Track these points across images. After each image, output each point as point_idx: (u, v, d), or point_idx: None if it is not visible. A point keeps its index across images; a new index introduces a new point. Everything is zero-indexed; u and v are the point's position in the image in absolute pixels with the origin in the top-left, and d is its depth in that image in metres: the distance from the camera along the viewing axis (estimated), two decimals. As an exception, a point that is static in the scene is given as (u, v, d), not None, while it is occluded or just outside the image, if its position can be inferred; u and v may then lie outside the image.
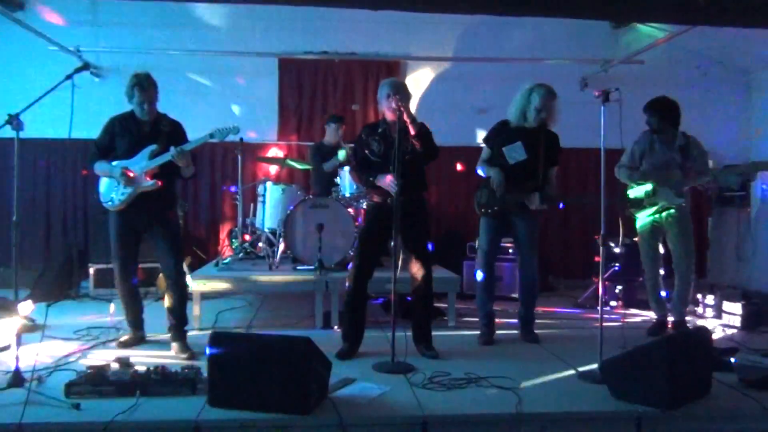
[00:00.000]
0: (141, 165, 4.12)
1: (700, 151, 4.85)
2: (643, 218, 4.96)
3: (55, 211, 7.14)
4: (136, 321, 4.40)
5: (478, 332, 4.66)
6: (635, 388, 3.18)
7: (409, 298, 4.38)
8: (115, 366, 3.38)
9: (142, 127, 4.19)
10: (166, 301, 4.27)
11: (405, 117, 3.92)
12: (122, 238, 4.23)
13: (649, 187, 4.85)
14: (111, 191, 4.16)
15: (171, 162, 4.08)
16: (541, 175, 4.51)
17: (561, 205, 4.91)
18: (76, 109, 3.89)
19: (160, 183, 4.11)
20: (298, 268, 5.36)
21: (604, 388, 3.33)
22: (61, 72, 3.84)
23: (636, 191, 4.98)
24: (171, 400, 3.13)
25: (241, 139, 6.21)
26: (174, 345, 4.17)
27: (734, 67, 7.48)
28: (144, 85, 4.11)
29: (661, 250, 5.06)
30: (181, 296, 4.30)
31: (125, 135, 4.18)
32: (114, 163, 4.14)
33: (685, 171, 4.78)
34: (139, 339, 4.39)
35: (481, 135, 4.86)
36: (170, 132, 4.22)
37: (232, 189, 6.68)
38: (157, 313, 4.64)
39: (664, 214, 4.85)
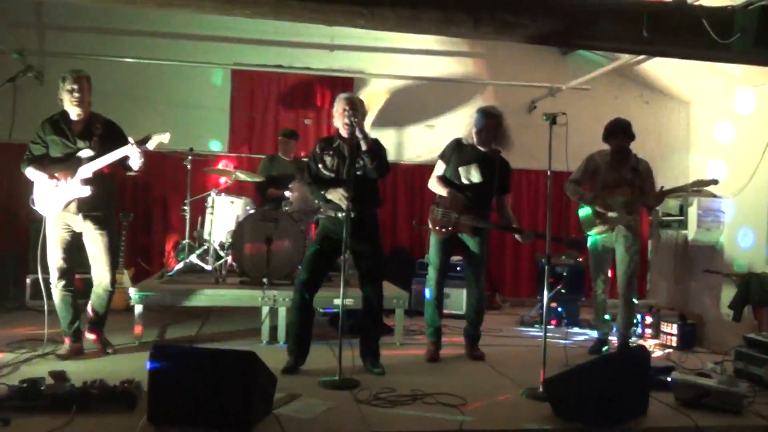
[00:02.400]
0: (73, 170, 4.08)
1: (647, 171, 5.00)
2: (594, 236, 5.05)
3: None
4: (75, 332, 4.28)
5: (424, 349, 4.69)
6: (576, 406, 3.24)
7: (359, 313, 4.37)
8: (49, 380, 3.26)
9: (74, 128, 4.15)
10: (92, 302, 4.32)
11: (357, 132, 3.95)
12: (58, 243, 4.18)
13: (588, 210, 5.00)
14: (44, 197, 4.12)
15: (107, 167, 4.13)
16: (493, 199, 4.60)
17: None
18: (18, 114, 3.77)
19: (91, 189, 4.10)
20: (245, 281, 5.29)
21: (546, 405, 3.39)
22: (2, 74, 3.73)
23: (585, 210, 5.10)
24: (108, 415, 3.03)
25: (191, 149, 6.13)
26: (90, 335, 4.31)
27: (675, 96, 7.79)
28: (75, 79, 4.08)
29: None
30: (108, 301, 4.34)
31: (57, 137, 4.13)
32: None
33: (634, 189, 4.92)
34: (77, 350, 4.25)
35: (430, 152, 4.91)
36: (103, 134, 4.17)
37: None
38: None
39: (614, 231, 4.96)
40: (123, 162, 4.19)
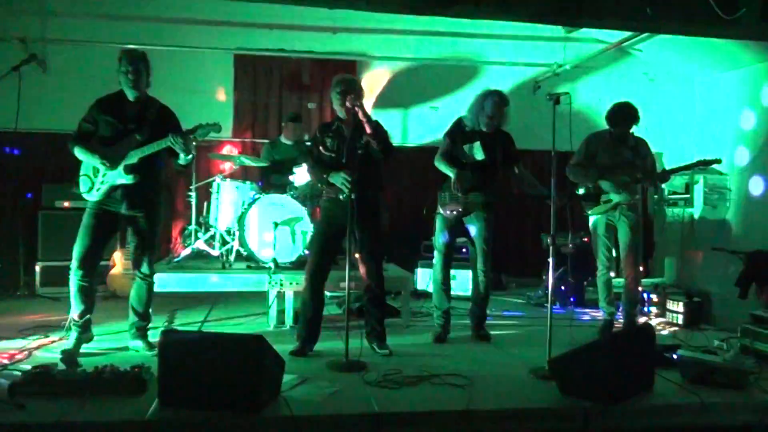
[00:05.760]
0: (121, 155, 3.92)
1: (646, 151, 4.98)
2: (596, 215, 5.03)
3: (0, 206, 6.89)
4: (85, 323, 4.05)
5: (431, 330, 4.72)
6: (582, 384, 3.27)
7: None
8: (62, 365, 3.30)
9: (127, 111, 3.99)
10: (131, 298, 4.15)
11: (360, 115, 3.95)
12: (93, 228, 3.95)
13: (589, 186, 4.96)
14: (89, 180, 3.99)
15: (155, 153, 3.96)
16: (498, 175, 4.62)
17: None
18: (21, 102, 3.79)
19: (138, 177, 3.93)
20: (252, 266, 5.32)
21: (552, 384, 3.42)
22: (5, 63, 3.74)
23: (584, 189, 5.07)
24: (120, 399, 3.06)
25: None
26: (136, 342, 4.10)
27: (680, 73, 7.73)
28: (135, 59, 3.92)
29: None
30: (148, 293, 4.17)
31: (108, 118, 3.97)
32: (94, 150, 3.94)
33: (635, 168, 4.89)
34: (87, 340, 4.08)
35: (434, 134, 4.92)
36: (156, 120, 4.01)
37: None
38: (107, 311, 4.54)
39: (617, 210, 4.94)
40: (172, 154, 4.05)
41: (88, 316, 4.06)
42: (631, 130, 4.91)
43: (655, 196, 7.00)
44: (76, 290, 3.99)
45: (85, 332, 4.05)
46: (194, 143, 4.06)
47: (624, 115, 4.86)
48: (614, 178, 4.88)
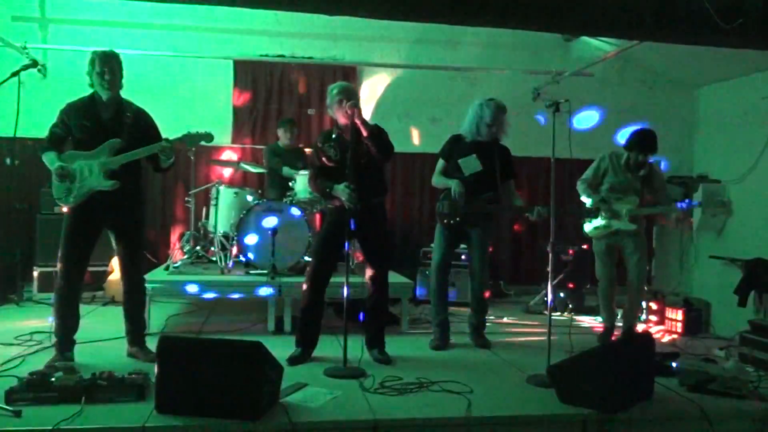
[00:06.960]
0: (100, 161, 3.74)
1: (661, 182, 4.94)
2: (598, 239, 4.98)
3: (-3, 212, 6.87)
4: (67, 342, 3.84)
5: (430, 337, 4.71)
6: (581, 392, 3.26)
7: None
8: (59, 372, 3.28)
9: (102, 114, 3.82)
10: (124, 305, 4.04)
11: (356, 119, 3.95)
12: (74, 237, 3.80)
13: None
14: (64, 187, 3.76)
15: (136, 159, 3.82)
16: (498, 186, 4.60)
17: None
18: (21, 108, 3.79)
19: (118, 183, 3.75)
20: (251, 272, 5.31)
21: (551, 392, 3.41)
22: (6, 69, 3.74)
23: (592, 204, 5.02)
24: (117, 406, 3.05)
25: (194, 141, 6.12)
26: (134, 350, 4.01)
27: (680, 82, 7.75)
28: (107, 58, 3.80)
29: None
30: (140, 300, 4.08)
31: (83, 122, 3.80)
32: (62, 155, 3.75)
33: (642, 198, 4.86)
34: (66, 360, 3.78)
35: (434, 142, 4.93)
36: (134, 124, 3.86)
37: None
38: (106, 317, 4.52)
39: (618, 235, 4.87)
40: (152, 157, 3.91)
41: (73, 335, 3.90)
42: (646, 159, 4.83)
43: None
44: (62, 305, 3.85)
45: (66, 353, 3.83)
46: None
47: (639, 142, 4.81)
48: (618, 204, 4.83)
